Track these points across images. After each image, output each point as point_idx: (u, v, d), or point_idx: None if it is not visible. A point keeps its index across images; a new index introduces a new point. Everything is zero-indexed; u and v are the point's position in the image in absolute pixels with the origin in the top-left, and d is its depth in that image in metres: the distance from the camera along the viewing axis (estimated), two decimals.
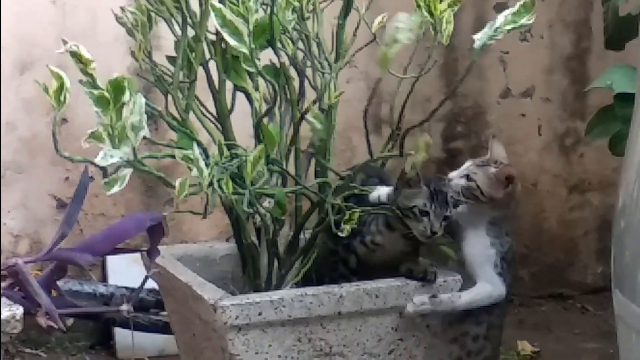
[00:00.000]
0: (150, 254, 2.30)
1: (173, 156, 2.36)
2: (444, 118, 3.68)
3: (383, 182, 2.51)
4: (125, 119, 2.13)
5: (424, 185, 2.39)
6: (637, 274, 1.60)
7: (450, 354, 2.50)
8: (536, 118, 3.86)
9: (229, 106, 2.51)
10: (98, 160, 2.14)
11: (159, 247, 2.32)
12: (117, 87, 2.12)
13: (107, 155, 2.14)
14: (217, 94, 2.48)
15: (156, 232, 2.28)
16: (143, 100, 2.16)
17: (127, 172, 2.21)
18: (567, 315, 3.65)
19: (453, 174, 2.47)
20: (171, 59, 2.48)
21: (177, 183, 2.22)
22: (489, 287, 2.45)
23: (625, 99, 2.37)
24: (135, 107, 2.14)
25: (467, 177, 2.45)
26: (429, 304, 2.37)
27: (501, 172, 2.43)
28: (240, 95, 2.52)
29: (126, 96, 2.12)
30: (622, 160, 1.72)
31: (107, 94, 2.12)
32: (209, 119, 2.52)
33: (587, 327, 3.27)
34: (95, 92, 2.13)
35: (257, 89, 2.46)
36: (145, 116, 2.16)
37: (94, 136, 2.12)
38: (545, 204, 3.90)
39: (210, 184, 2.25)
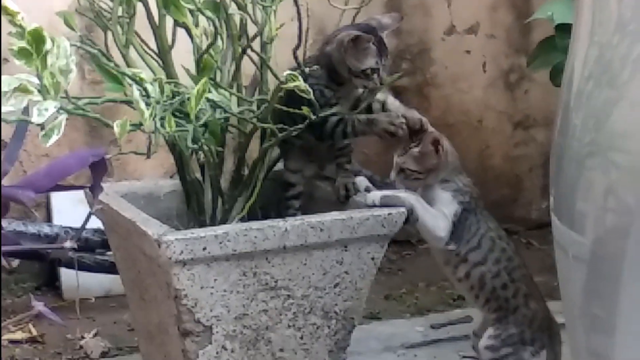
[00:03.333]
0: (93, 191, 2.26)
1: (114, 101, 2.34)
2: (389, 55, 3.68)
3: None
4: (52, 65, 2.07)
5: (371, 44, 2.42)
6: (575, 201, 1.62)
7: None
8: (481, 55, 3.88)
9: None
10: (35, 119, 2.07)
11: (103, 185, 2.30)
12: (37, 37, 2.06)
13: (42, 110, 2.08)
14: (157, 30, 2.46)
15: (99, 169, 2.25)
16: (67, 43, 2.10)
17: (62, 118, 2.15)
18: None
19: (392, 176, 2.49)
20: None
21: (116, 125, 2.17)
22: (441, 222, 2.45)
23: (566, 29, 2.36)
24: (60, 51, 2.09)
25: (400, 170, 2.47)
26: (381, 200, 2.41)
27: (425, 145, 2.44)
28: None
29: (47, 44, 2.07)
30: (560, 89, 1.73)
31: (27, 46, 2.07)
32: (151, 55, 2.50)
33: (533, 261, 3.29)
34: (16, 46, 2.06)
35: (197, 25, 2.44)
36: (73, 58, 2.10)
37: (21, 89, 2.06)
38: (490, 141, 3.93)
39: (154, 122, 2.22)
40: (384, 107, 2.54)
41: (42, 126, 2.13)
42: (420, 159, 2.45)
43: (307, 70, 2.40)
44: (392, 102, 2.55)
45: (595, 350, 1.61)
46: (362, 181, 2.58)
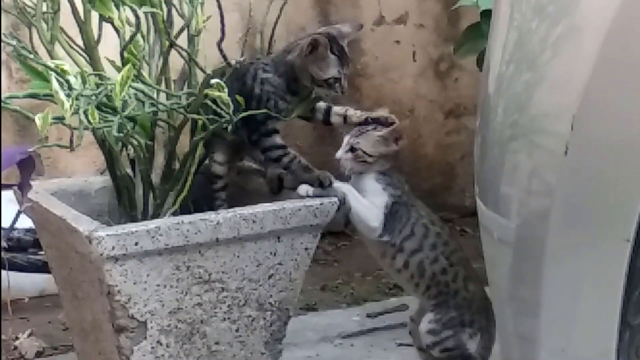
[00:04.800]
0: (22, 188, 2.25)
1: (35, 96, 2.32)
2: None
3: None
4: None
5: (331, 54, 2.44)
6: (499, 185, 1.63)
7: None
8: (411, 44, 3.90)
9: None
10: None
11: (32, 183, 2.28)
12: None
13: None
14: (82, 25, 2.44)
15: (27, 166, 2.23)
16: None
17: None
18: None
19: (339, 154, 2.50)
20: None
21: (37, 118, 2.15)
22: (373, 212, 2.47)
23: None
24: None
25: (351, 148, 2.48)
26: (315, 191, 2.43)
27: (389, 132, 2.48)
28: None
29: None
30: (481, 74, 1.75)
31: None
32: (77, 52, 2.48)
33: (467, 248, 3.30)
34: None
35: (122, 19, 2.43)
36: None
37: None
38: (422, 130, 3.96)
39: (78, 115, 2.20)
40: (345, 120, 2.54)
41: None
42: (377, 144, 2.47)
43: (263, 76, 2.44)
44: (353, 114, 2.56)
45: (522, 333, 1.63)
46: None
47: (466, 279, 2.48)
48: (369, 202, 2.46)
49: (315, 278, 3.44)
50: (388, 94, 3.88)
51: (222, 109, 2.34)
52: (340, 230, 3.64)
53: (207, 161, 2.58)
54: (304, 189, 2.45)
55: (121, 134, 2.30)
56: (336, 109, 2.55)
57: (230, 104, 2.35)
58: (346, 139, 2.51)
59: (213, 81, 2.31)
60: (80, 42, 2.48)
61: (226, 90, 2.31)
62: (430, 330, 2.48)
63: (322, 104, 2.57)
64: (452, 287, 2.47)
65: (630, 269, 1.45)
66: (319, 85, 2.48)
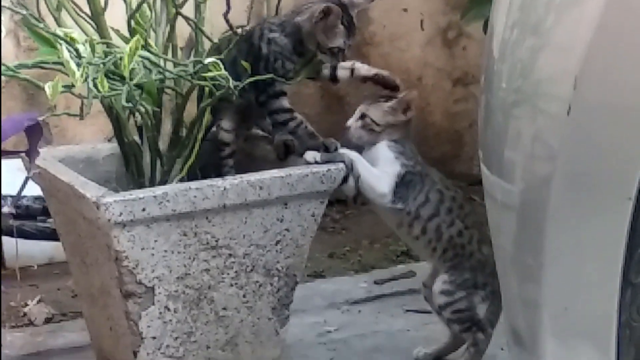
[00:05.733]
0: (30, 155, 2.26)
1: (45, 64, 2.32)
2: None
3: None
4: None
5: (340, 23, 2.45)
6: (503, 150, 1.64)
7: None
8: (418, 12, 3.89)
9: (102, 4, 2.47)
10: None
11: (40, 150, 2.29)
12: None
13: None
14: None
15: (34, 133, 2.24)
16: None
17: None
18: None
19: (350, 121, 2.54)
20: None
21: (47, 86, 2.15)
22: (384, 179, 2.48)
23: None
24: None
25: (362, 116, 2.52)
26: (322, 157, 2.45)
27: (398, 102, 2.50)
28: None
29: None
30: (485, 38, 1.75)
31: None
32: (84, 19, 2.49)
33: None
34: None
35: None
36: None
37: None
38: (430, 98, 3.96)
39: (87, 83, 2.21)
40: (352, 73, 2.55)
41: None
42: (386, 113, 2.51)
43: (270, 35, 2.44)
44: (361, 67, 2.57)
45: (526, 297, 1.64)
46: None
47: (480, 241, 2.50)
48: (379, 171, 2.48)
49: (323, 246, 3.46)
50: (396, 62, 3.88)
51: (225, 78, 2.34)
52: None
53: (214, 128, 2.59)
54: (311, 155, 2.46)
55: (130, 104, 2.30)
56: (343, 63, 2.55)
57: (229, 77, 2.34)
58: (359, 107, 2.54)
59: (207, 61, 2.32)
60: (87, 9, 2.48)
61: (222, 67, 2.31)
62: (444, 290, 2.50)
63: None
64: (468, 250, 2.50)
65: (632, 228, 1.46)
66: (322, 52, 2.49)
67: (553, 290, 1.53)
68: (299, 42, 2.50)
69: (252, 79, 2.44)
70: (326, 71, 2.57)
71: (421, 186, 2.49)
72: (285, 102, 2.51)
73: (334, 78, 2.57)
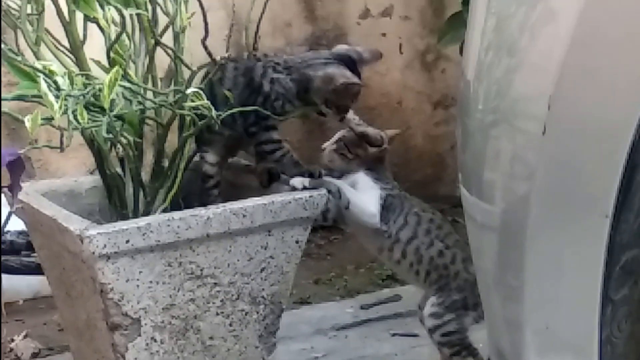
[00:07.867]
0: (13, 190, 2.26)
1: (22, 98, 2.33)
2: (305, 42, 3.71)
3: None
4: None
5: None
6: (482, 172, 1.65)
7: None
8: (397, 37, 3.92)
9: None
10: None
11: (22, 184, 2.29)
12: None
13: None
14: (67, 26, 2.45)
15: (16, 167, 2.24)
16: None
17: None
18: None
19: (326, 144, 2.57)
20: None
21: (27, 119, 2.15)
22: (370, 199, 2.50)
23: None
24: None
25: (338, 140, 2.57)
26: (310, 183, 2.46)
27: (377, 138, 2.54)
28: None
29: None
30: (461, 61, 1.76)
31: None
32: (64, 52, 2.50)
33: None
34: None
35: (107, 19, 2.44)
36: None
37: None
38: (411, 121, 3.97)
39: (67, 116, 2.21)
40: (342, 118, 2.57)
41: None
42: (358, 143, 2.54)
43: (274, 75, 2.47)
44: (352, 119, 2.58)
45: (509, 317, 1.65)
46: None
47: (465, 260, 2.48)
48: (364, 194, 2.50)
49: (308, 272, 3.46)
50: (376, 86, 3.90)
51: (208, 108, 2.35)
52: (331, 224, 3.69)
53: (197, 158, 2.60)
54: (299, 181, 2.47)
55: (111, 135, 2.31)
56: None
57: (211, 106, 2.35)
58: (338, 133, 2.57)
59: (189, 91, 2.33)
60: (65, 43, 2.49)
61: (204, 97, 2.32)
62: (433, 313, 2.49)
63: None
64: (452, 270, 2.49)
65: (610, 245, 1.47)
66: (328, 107, 2.50)
67: (534, 308, 1.54)
68: (303, 90, 2.50)
69: (249, 108, 2.44)
70: None
71: (400, 208, 2.50)
72: (275, 135, 2.52)
73: (321, 112, 2.57)
